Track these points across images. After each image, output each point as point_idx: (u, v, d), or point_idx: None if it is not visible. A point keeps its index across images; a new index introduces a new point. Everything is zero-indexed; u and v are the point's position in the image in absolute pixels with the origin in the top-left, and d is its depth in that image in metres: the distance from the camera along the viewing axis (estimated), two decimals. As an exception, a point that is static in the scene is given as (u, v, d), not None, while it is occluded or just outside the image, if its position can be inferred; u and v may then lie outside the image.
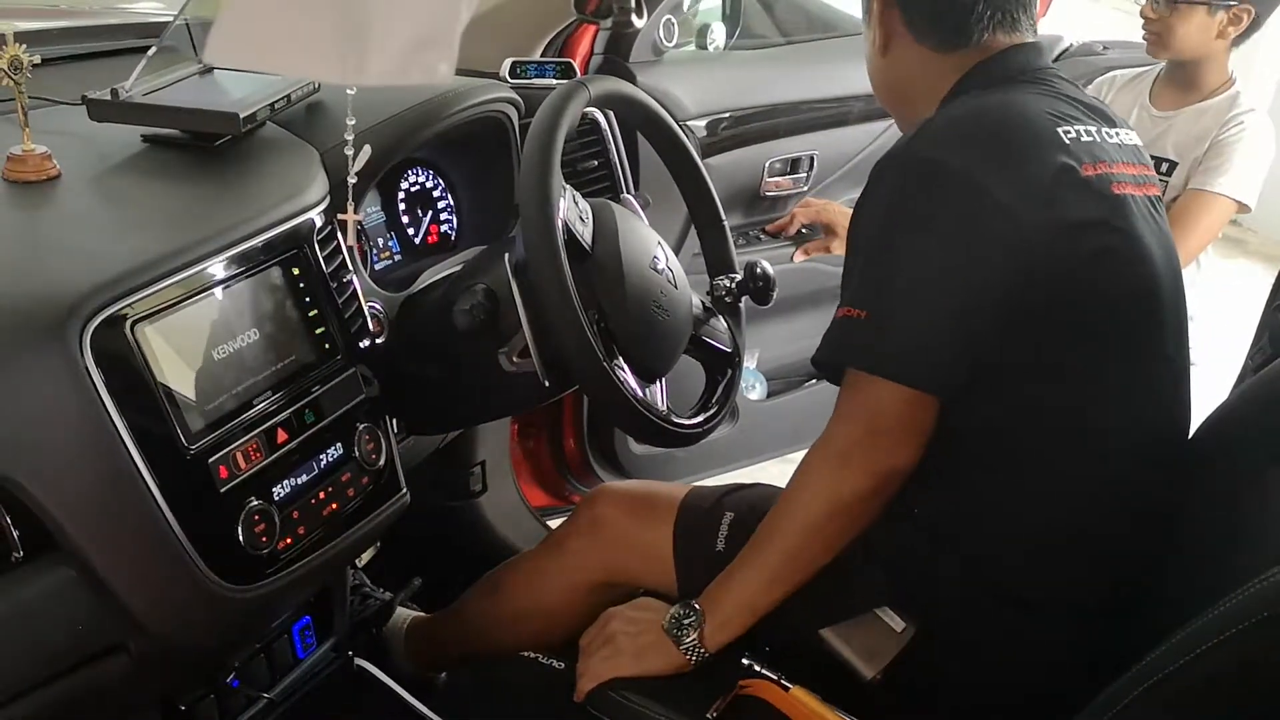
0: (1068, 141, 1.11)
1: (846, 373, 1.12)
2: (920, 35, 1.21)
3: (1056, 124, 1.12)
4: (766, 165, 2.14)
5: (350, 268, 1.19)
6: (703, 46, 2.16)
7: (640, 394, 1.23)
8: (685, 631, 1.17)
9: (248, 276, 1.07)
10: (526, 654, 1.34)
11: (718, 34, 2.18)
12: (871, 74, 1.31)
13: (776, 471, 2.16)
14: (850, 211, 1.22)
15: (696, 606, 1.18)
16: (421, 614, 1.62)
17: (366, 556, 1.67)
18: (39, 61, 1.10)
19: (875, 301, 1.09)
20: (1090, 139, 1.14)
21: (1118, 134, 1.19)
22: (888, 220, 1.11)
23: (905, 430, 1.09)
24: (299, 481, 1.08)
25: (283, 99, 1.26)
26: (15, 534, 0.92)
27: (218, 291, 1.04)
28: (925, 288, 1.07)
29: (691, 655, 1.17)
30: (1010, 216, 1.06)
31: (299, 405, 1.09)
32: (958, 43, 1.20)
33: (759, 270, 1.48)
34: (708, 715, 1.16)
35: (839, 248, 1.92)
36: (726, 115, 2.09)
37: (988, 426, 1.13)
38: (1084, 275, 1.10)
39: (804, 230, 2.03)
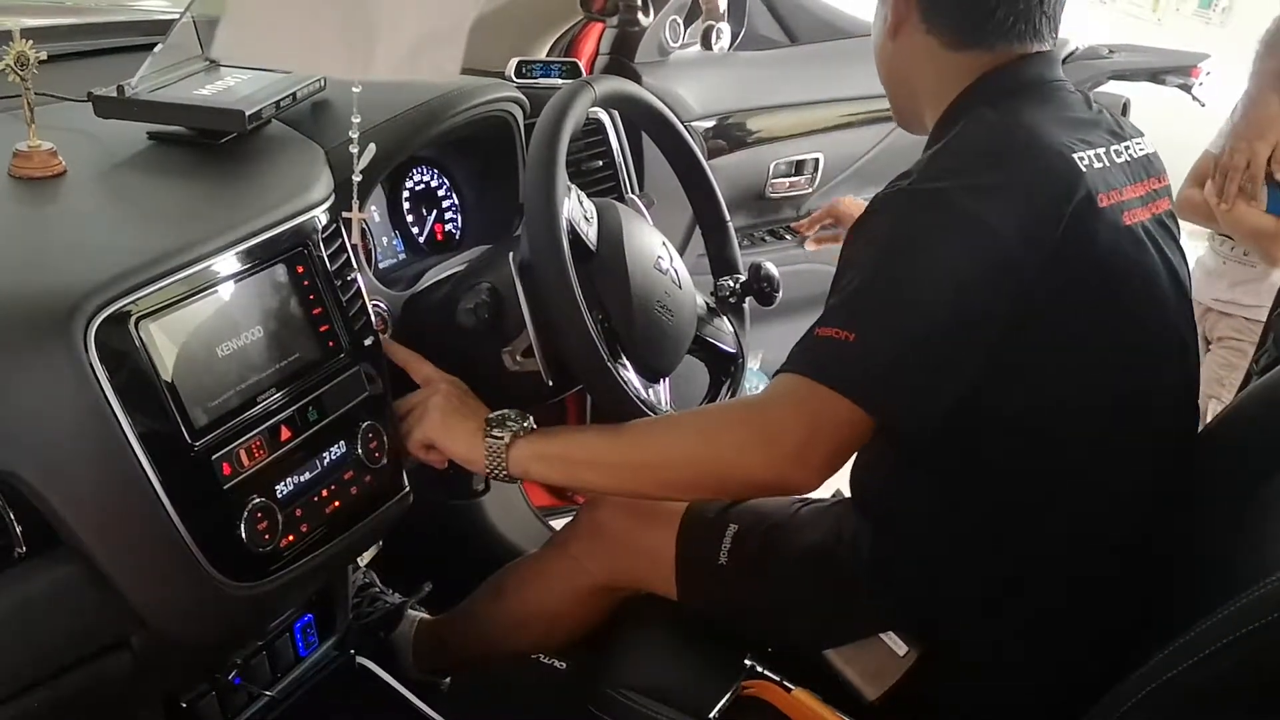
0: (1084, 170, 1.06)
1: (799, 379, 1.05)
2: (932, 27, 1.15)
3: (1073, 150, 1.07)
4: (771, 166, 2.14)
5: (354, 266, 1.19)
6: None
7: (644, 394, 1.23)
8: (503, 429, 1.15)
9: (252, 274, 1.07)
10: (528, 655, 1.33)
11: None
12: (876, 54, 1.24)
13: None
14: (862, 204, 1.20)
15: (531, 423, 1.17)
16: (428, 616, 1.62)
17: (368, 555, 1.67)
18: (45, 58, 1.10)
19: (864, 327, 1.03)
20: (1102, 164, 1.09)
21: (1127, 147, 1.15)
22: (888, 250, 1.06)
23: (837, 452, 1.05)
24: (302, 479, 1.08)
25: (288, 97, 1.26)
26: (18, 530, 0.92)
27: (222, 289, 1.04)
28: (919, 322, 1.03)
29: (490, 458, 1.15)
30: (1014, 259, 1.02)
31: (302, 403, 1.09)
32: (970, 44, 1.14)
33: (763, 271, 1.48)
34: (710, 716, 1.16)
35: None
36: (732, 116, 2.08)
37: (992, 457, 1.11)
38: (1089, 314, 1.07)
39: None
